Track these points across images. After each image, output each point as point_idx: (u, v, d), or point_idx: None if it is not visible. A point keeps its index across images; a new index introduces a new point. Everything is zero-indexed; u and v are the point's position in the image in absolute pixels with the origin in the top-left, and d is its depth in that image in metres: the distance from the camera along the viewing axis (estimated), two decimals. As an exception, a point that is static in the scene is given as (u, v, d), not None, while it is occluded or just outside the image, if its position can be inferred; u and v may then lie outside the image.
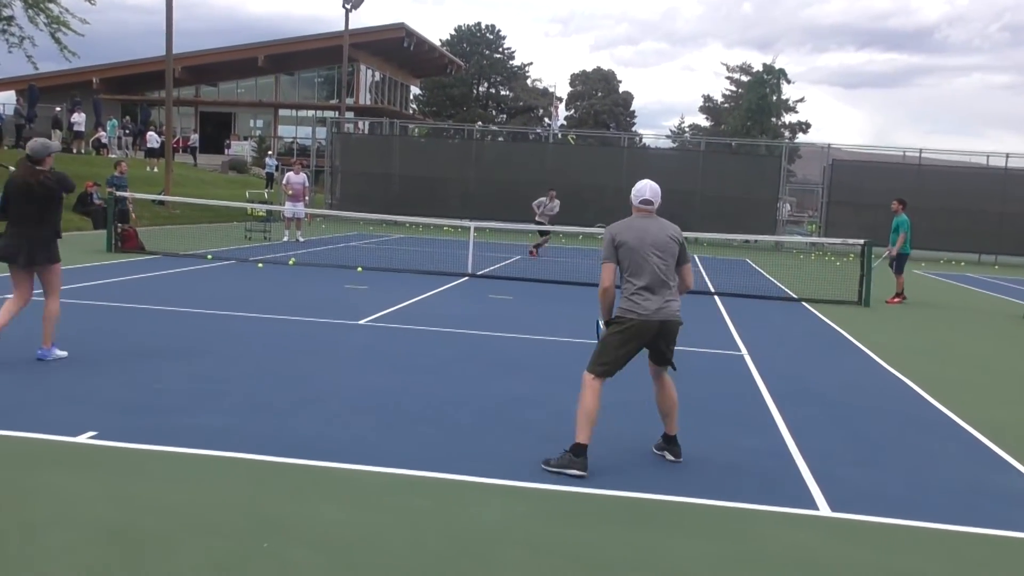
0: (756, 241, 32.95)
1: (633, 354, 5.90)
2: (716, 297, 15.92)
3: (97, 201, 22.50)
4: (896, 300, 16.43)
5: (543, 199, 23.20)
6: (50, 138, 33.66)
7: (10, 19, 28.24)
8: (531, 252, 22.98)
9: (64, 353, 8.10)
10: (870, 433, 7.17)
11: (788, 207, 35.77)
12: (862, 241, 16.70)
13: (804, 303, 15.77)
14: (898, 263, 16.65)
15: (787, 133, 66.68)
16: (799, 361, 10.29)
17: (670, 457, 6.09)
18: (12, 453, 5.51)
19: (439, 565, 4.26)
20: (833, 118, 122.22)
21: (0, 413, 6.24)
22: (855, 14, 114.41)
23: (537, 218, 23.07)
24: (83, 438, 5.80)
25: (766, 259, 26.98)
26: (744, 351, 10.50)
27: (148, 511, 4.69)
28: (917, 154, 34.24)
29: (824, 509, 5.28)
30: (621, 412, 7.29)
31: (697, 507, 5.23)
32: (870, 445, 6.80)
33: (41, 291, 8.12)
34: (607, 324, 5.93)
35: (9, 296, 8.08)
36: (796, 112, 68.99)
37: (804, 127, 70.10)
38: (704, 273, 20.89)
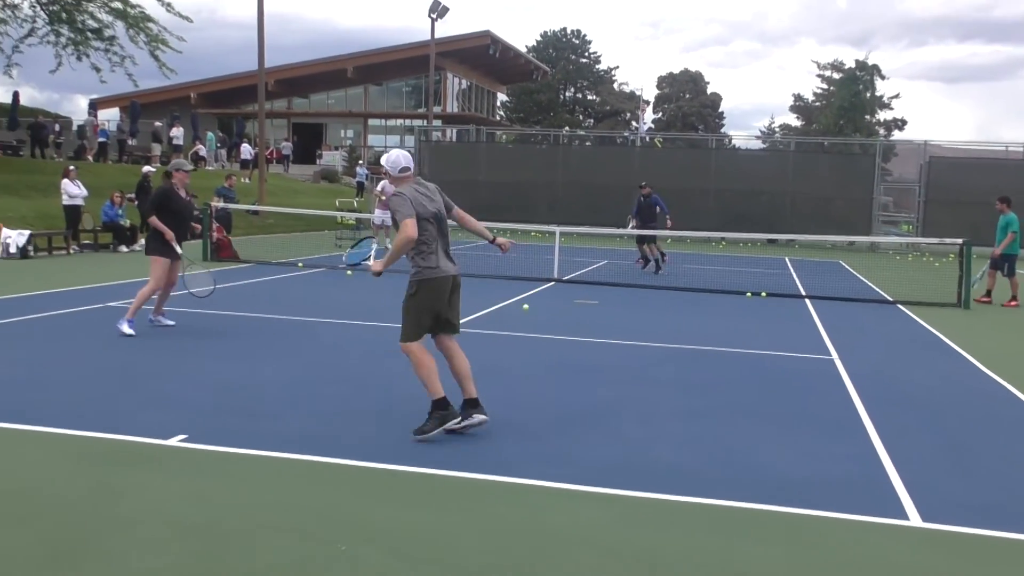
0: (850, 243, 32.10)
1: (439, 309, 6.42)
2: (807, 300, 15.55)
3: (194, 211, 23.25)
4: (1014, 303, 15.77)
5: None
6: (149, 151, 35.02)
7: (112, 39, 29.38)
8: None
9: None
10: (967, 440, 6.89)
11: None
12: (960, 241, 16.11)
13: (899, 305, 15.28)
14: (1009, 265, 15.96)
15: (882, 131, 64.80)
16: (892, 365, 9.96)
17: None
18: (109, 454, 5.73)
19: (512, 568, 4.25)
20: (932, 114, 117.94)
21: (100, 416, 6.49)
22: (957, 5, 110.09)
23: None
24: (174, 441, 5.98)
25: (860, 260, 26.25)
26: (835, 355, 10.22)
27: (231, 511, 4.80)
28: (1021, 149, 32.86)
29: (915, 519, 5.09)
30: (696, 421, 7.19)
31: (777, 515, 5.09)
32: (967, 453, 6.53)
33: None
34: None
35: None
36: (891, 109, 67.04)
37: (900, 124, 68.02)
38: (795, 275, 20.45)
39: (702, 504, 5.19)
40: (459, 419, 6.21)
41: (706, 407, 7.54)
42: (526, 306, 12.28)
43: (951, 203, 31.36)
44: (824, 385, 8.65)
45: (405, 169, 6.35)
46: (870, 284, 19.05)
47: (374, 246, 6.89)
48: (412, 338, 6.29)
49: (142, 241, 20.65)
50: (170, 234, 9.87)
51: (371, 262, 6.71)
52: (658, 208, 19.53)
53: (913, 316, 14.03)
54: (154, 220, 9.88)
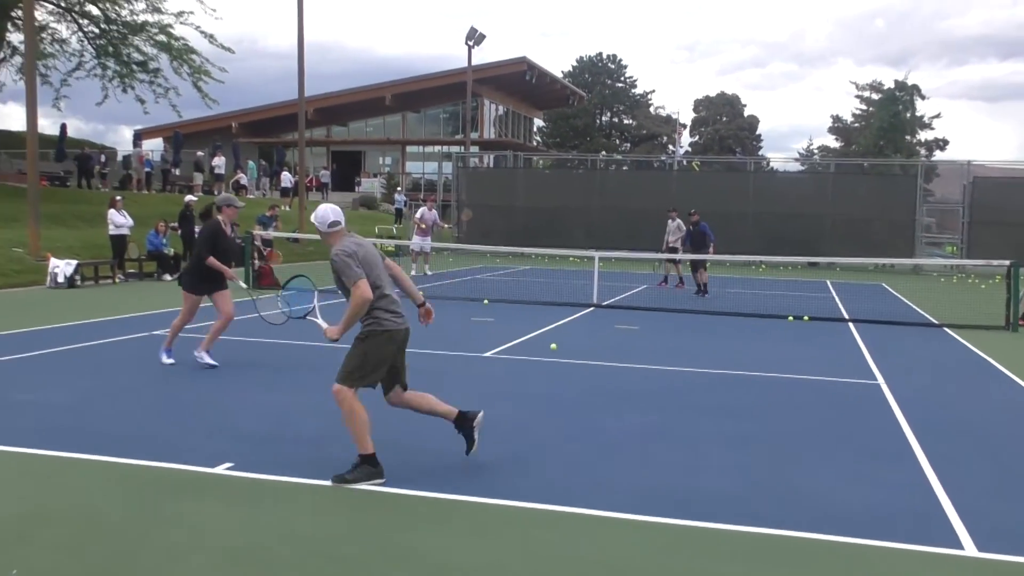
0: (893, 266, 31.73)
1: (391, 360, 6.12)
2: (850, 324, 15.36)
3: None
4: None
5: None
6: (191, 180, 35.58)
7: (157, 71, 30.06)
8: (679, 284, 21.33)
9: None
10: (1021, 466, 6.75)
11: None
12: (1008, 262, 15.85)
13: (946, 329, 15.04)
14: None
15: (923, 151, 64.14)
16: (941, 389, 9.80)
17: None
18: (156, 482, 5.79)
19: (563, 600, 4.23)
20: (974, 133, 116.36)
21: (147, 444, 6.57)
22: (998, 24, 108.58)
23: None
24: (220, 469, 6.04)
25: (904, 283, 25.91)
26: (880, 380, 10.08)
27: (280, 540, 4.83)
28: (1067, 168, 32.34)
29: (970, 549, 4.98)
30: (740, 447, 7.11)
31: (826, 544, 5.01)
32: (1021, 480, 6.39)
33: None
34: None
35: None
36: (932, 129, 66.42)
37: (942, 144, 67.35)
38: (837, 299, 20.22)
39: (748, 533, 5.13)
40: (383, 480, 5.75)
41: (750, 433, 7.46)
42: (554, 345, 11.97)
43: (996, 223, 30.83)
44: (871, 410, 8.53)
45: (335, 224, 6.05)
46: (914, 307, 18.78)
47: (315, 296, 6.53)
48: (350, 384, 5.91)
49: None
50: (231, 273, 9.72)
51: (319, 319, 6.51)
52: (707, 236, 19.68)
53: (960, 339, 13.80)
54: (212, 260, 9.61)
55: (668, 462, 6.55)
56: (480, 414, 6.18)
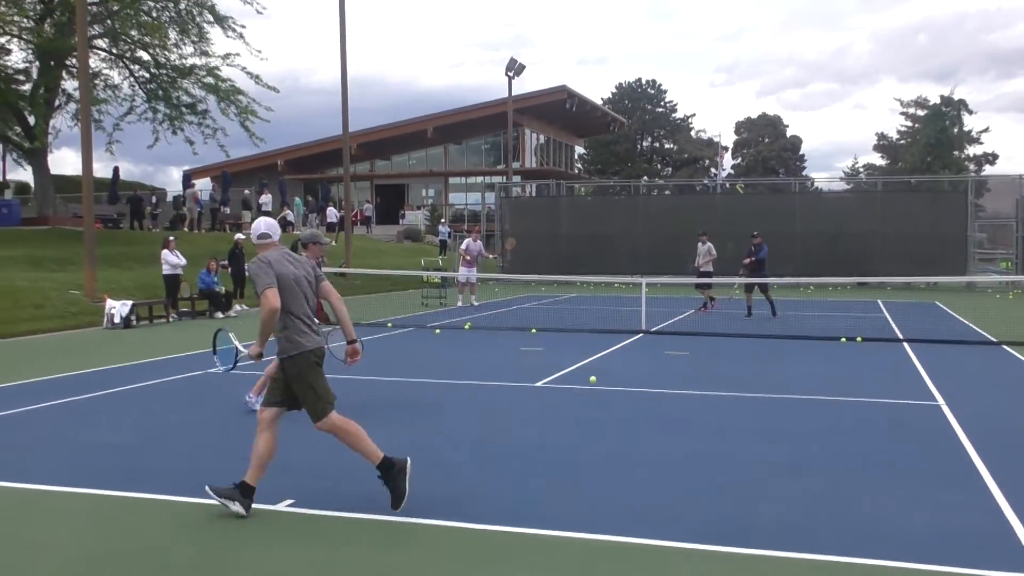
0: (945, 283, 31.18)
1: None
2: (905, 344, 15.11)
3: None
4: None
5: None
6: (240, 218, 36.09)
7: (205, 112, 30.73)
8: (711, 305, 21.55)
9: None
10: (1092, 488, 6.57)
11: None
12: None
13: (1005, 347, 14.73)
14: None
15: (972, 166, 63.18)
16: (1005, 410, 9.58)
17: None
18: (222, 520, 5.83)
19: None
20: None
21: (207, 482, 6.63)
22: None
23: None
24: (282, 506, 6.09)
25: (958, 300, 25.43)
26: (940, 400, 9.89)
27: (343, 577, 4.85)
28: (1123, 179, 31.64)
29: (1045, 573, 4.86)
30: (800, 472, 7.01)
31: (896, 571, 4.91)
32: (1093, 501, 6.22)
33: None
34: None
35: None
36: (981, 143, 65.47)
37: (991, 158, 66.31)
38: (890, 318, 19.92)
39: (815, 560, 5.05)
40: (408, 462, 5.96)
41: (808, 458, 7.36)
42: (593, 378, 11.80)
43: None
44: (932, 432, 8.37)
45: (264, 236, 6.15)
46: (971, 325, 18.42)
47: (231, 334, 6.44)
48: (323, 413, 6.05)
49: (237, 307, 21.34)
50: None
51: (239, 346, 6.43)
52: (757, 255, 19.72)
53: (1021, 357, 13.50)
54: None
55: (728, 489, 6.47)
56: (244, 515, 5.83)
